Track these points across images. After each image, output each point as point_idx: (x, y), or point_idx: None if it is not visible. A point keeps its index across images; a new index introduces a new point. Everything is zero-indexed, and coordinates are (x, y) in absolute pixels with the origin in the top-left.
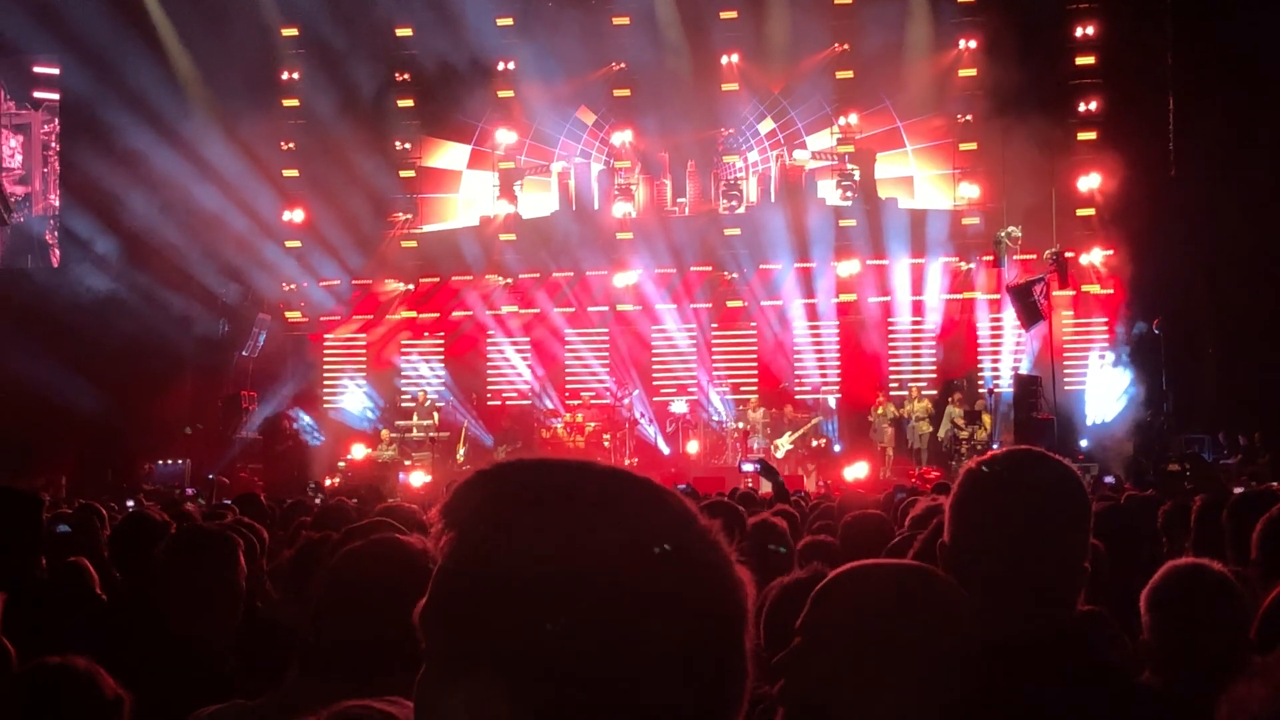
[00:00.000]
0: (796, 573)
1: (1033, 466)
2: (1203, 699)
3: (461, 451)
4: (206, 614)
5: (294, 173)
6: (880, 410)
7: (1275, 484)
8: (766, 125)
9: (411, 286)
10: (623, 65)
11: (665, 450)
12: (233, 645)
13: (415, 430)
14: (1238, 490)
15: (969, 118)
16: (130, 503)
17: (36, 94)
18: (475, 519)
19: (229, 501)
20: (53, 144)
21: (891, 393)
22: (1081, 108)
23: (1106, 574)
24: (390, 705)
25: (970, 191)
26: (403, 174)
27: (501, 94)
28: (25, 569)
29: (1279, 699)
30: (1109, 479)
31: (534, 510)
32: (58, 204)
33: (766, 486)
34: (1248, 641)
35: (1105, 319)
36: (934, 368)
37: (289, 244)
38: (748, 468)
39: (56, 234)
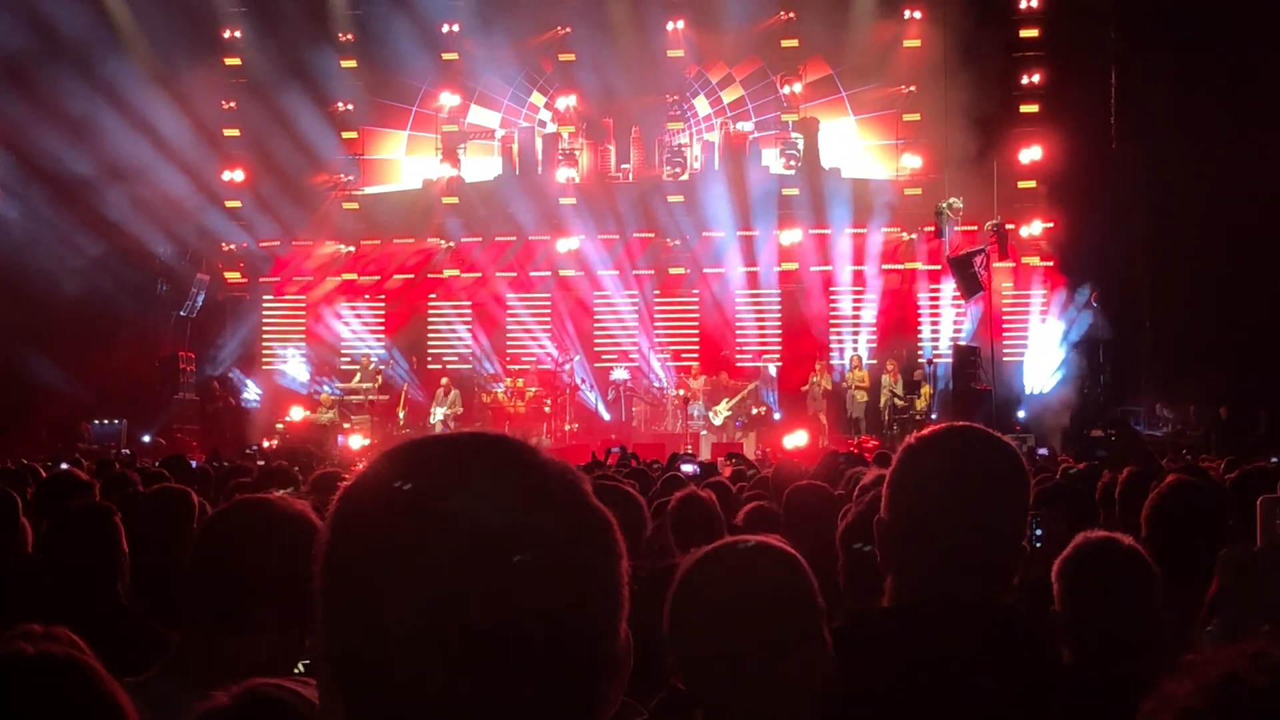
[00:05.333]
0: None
1: (970, 442)
2: (1110, 671)
3: (401, 415)
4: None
5: (235, 132)
6: (816, 379)
7: (1205, 458)
8: (711, 93)
9: (353, 249)
10: (567, 29)
11: (606, 416)
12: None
13: (357, 393)
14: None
15: (913, 88)
16: (65, 464)
17: None
18: (332, 521)
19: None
20: None
21: (832, 362)
22: (1025, 80)
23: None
24: (300, 684)
25: (913, 162)
26: (345, 135)
27: (446, 56)
28: None
29: (1205, 697)
30: (1043, 451)
31: (373, 516)
32: None
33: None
34: (1156, 616)
35: (1044, 291)
36: (874, 337)
37: (229, 204)
38: (687, 469)
39: None
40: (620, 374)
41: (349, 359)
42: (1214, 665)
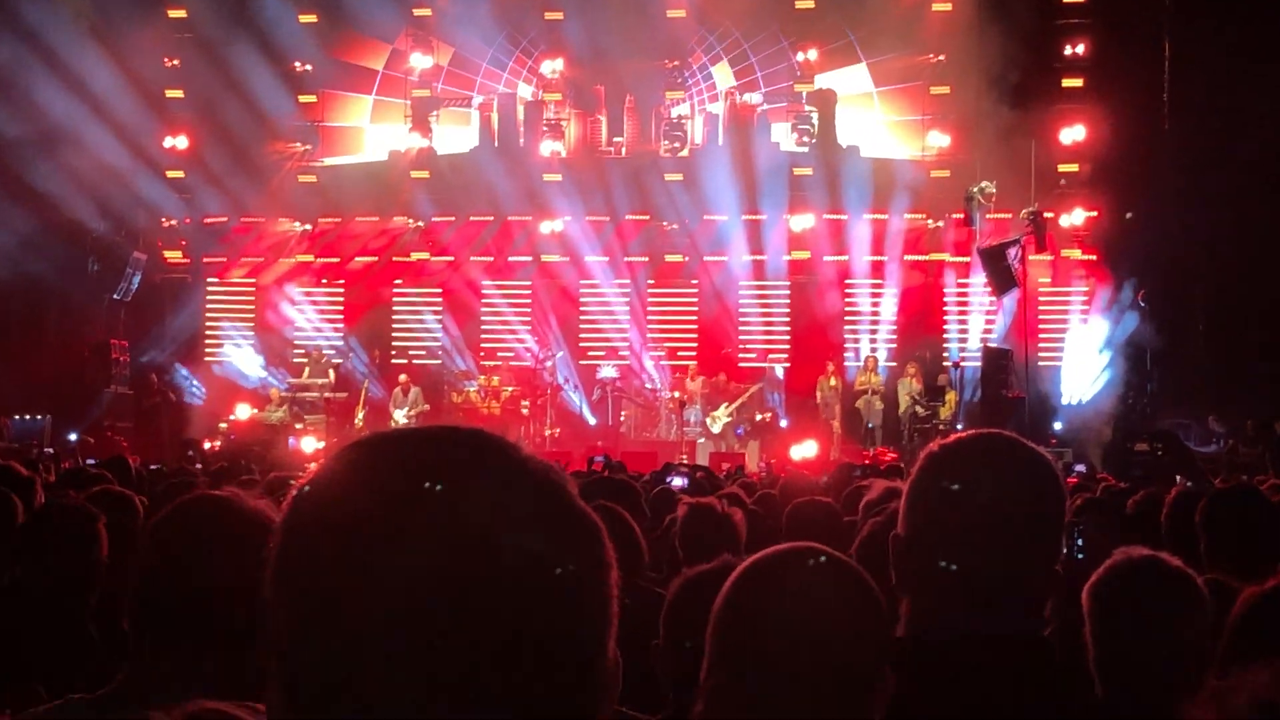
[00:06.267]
0: (701, 566)
1: (1001, 451)
2: (1150, 715)
3: (360, 415)
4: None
5: (178, 93)
6: (830, 383)
7: (1262, 478)
8: (715, 59)
9: (309, 227)
10: None
11: (591, 420)
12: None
13: (310, 389)
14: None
15: (941, 58)
16: None
17: None
18: (285, 526)
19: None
20: None
21: (846, 363)
22: (1067, 50)
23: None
24: (243, 710)
25: (940, 141)
26: (302, 99)
27: (417, 12)
28: None
29: None
30: (1080, 467)
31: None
32: None
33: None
34: (1205, 654)
35: (1086, 288)
36: (894, 337)
37: (170, 174)
38: (677, 482)
39: None
40: (608, 372)
41: (302, 350)
42: (1243, 692)
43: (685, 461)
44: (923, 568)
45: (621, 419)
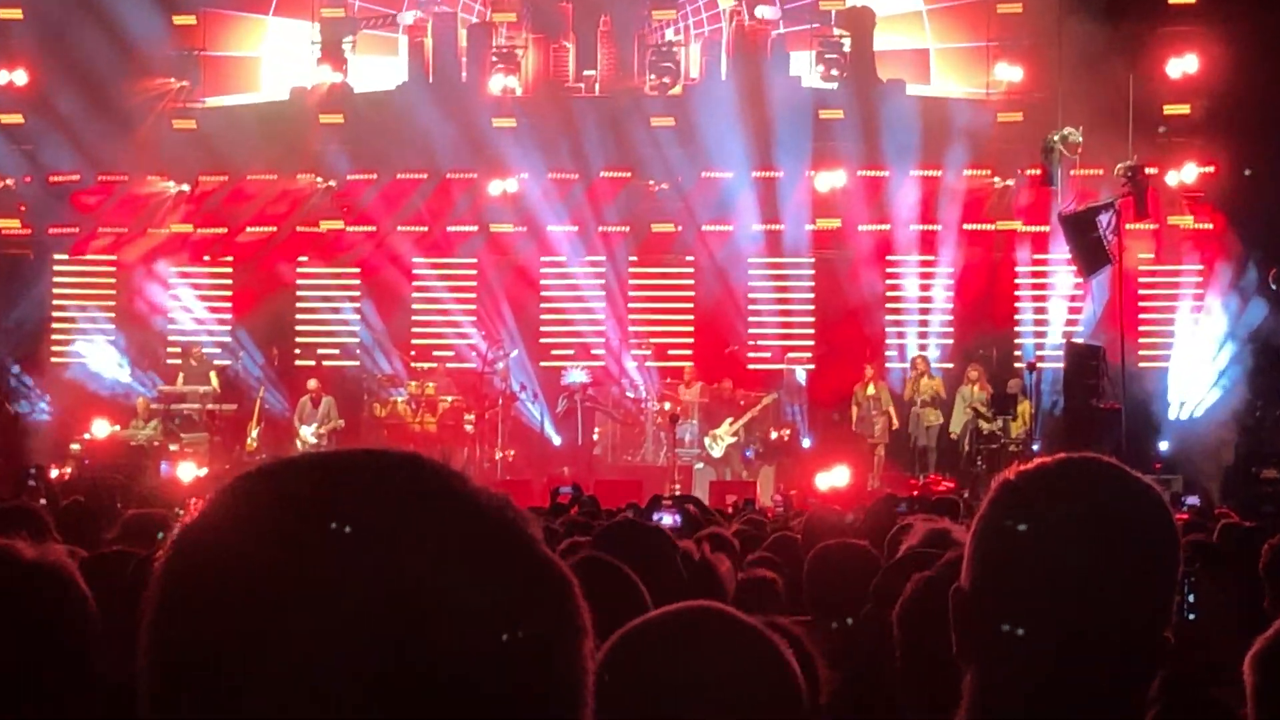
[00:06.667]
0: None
1: (1097, 481)
2: None
3: (254, 434)
4: None
5: (15, 13)
6: (869, 390)
7: None
8: None
9: (187, 188)
10: None
11: (556, 439)
12: None
13: (188, 399)
14: None
15: None
16: None
17: None
18: (165, 580)
19: None
20: None
21: (889, 366)
22: None
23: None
24: None
25: (1011, 75)
26: (178, 20)
27: None
28: None
29: None
30: (1192, 499)
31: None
32: None
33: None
34: None
35: (1200, 266)
36: (950, 330)
37: (5, 119)
38: (666, 520)
39: None
40: (577, 377)
41: (179, 349)
42: None
43: (678, 492)
44: (993, 632)
45: (595, 438)
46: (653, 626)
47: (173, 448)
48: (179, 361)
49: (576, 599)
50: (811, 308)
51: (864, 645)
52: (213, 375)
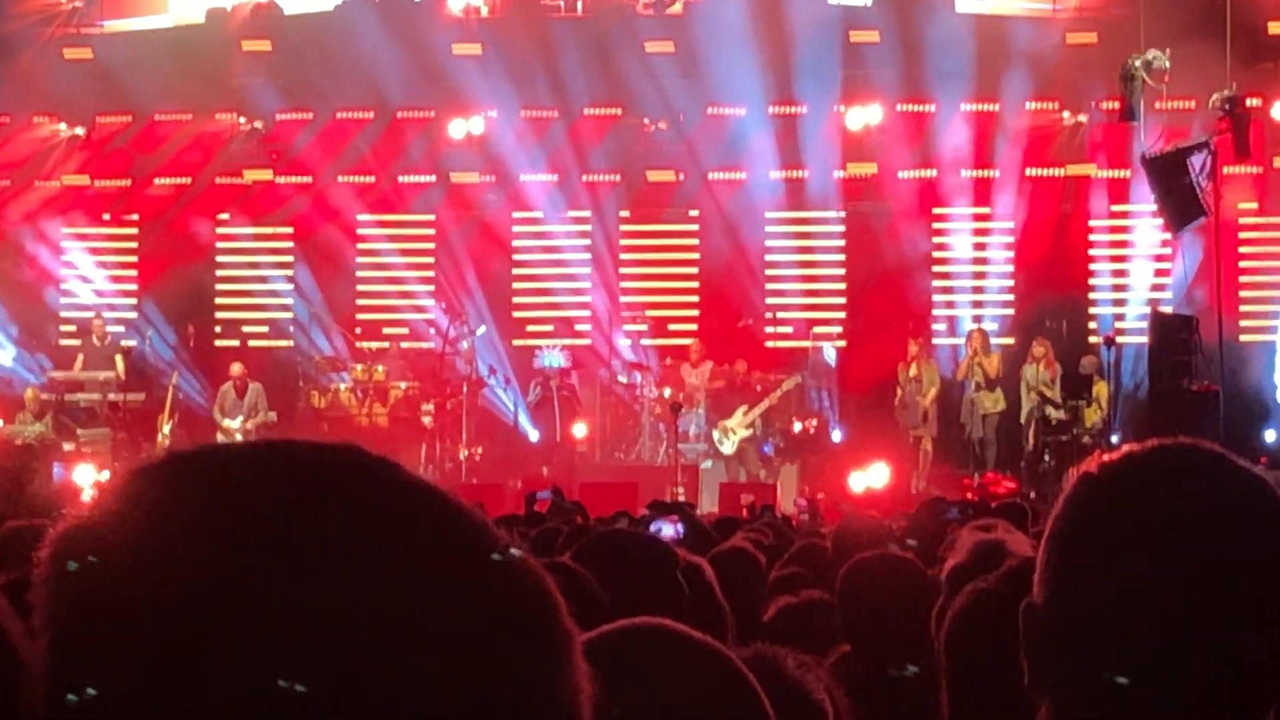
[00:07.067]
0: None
1: (1200, 475)
2: None
3: (166, 428)
4: None
5: None
6: (911, 372)
7: None
8: None
9: (82, 131)
10: None
11: (533, 434)
12: None
13: (87, 388)
14: None
15: None
16: None
17: None
18: (50, 597)
19: None
20: None
21: (936, 341)
22: None
23: None
24: None
25: None
26: None
27: None
28: None
29: None
30: None
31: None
32: None
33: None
34: None
35: None
36: (1010, 298)
37: None
38: (667, 531)
39: None
40: (553, 360)
41: (73, 327)
42: None
43: (681, 497)
44: (1074, 658)
45: (579, 433)
46: (597, 645)
47: (67, 446)
48: (77, 342)
49: (560, 620)
50: (842, 272)
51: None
52: (119, 359)
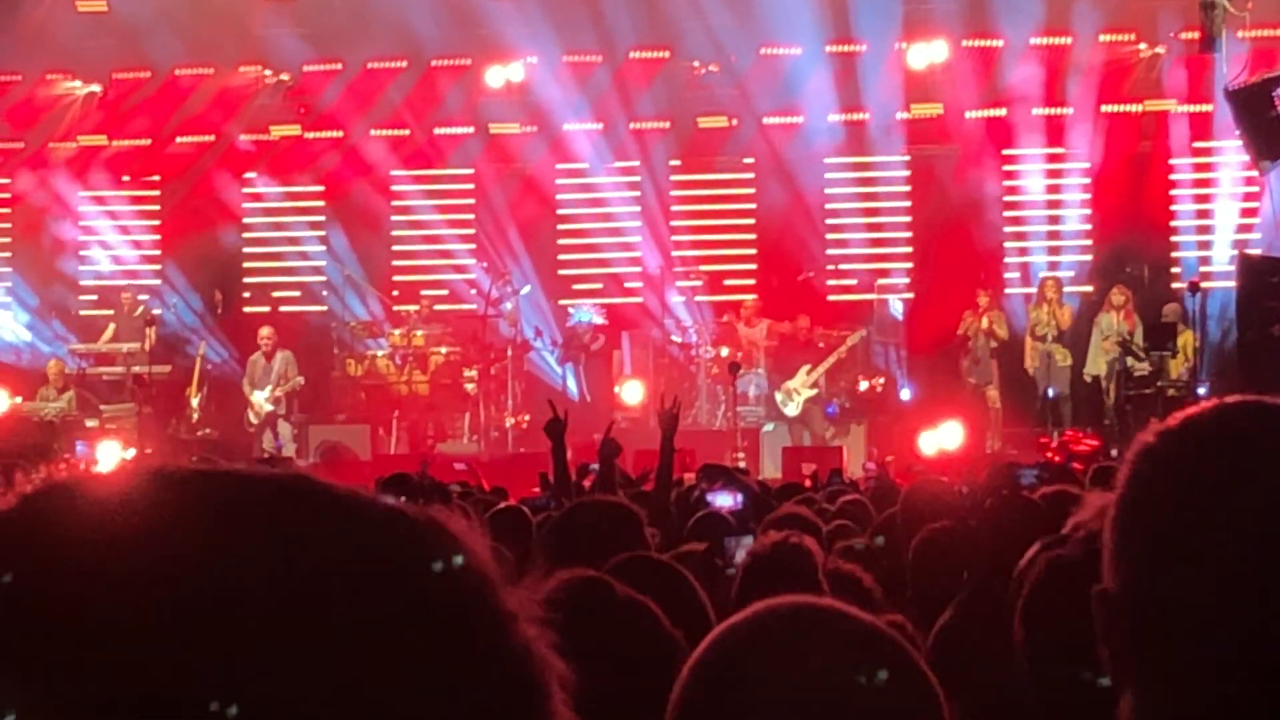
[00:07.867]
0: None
1: (1275, 437)
2: None
3: (196, 400)
4: None
5: None
6: (983, 324)
7: None
8: None
9: (99, 88)
10: None
11: (574, 393)
12: None
13: (113, 361)
14: None
15: None
16: None
17: None
18: None
19: None
20: None
21: (1008, 291)
22: None
23: None
24: None
25: None
26: None
27: None
28: None
29: None
30: None
31: None
32: None
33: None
34: None
35: None
36: (1088, 243)
37: None
38: (724, 501)
39: None
40: (583, 316)
41: (95, 295)
42: None
43: (742, 463)
44: (1160, 643)
45: (632, 399)
46: (752, 628)
47: (91, 423)
48: (98, 313)
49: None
50: (908, 219)
51: None
52: (150, 330)
